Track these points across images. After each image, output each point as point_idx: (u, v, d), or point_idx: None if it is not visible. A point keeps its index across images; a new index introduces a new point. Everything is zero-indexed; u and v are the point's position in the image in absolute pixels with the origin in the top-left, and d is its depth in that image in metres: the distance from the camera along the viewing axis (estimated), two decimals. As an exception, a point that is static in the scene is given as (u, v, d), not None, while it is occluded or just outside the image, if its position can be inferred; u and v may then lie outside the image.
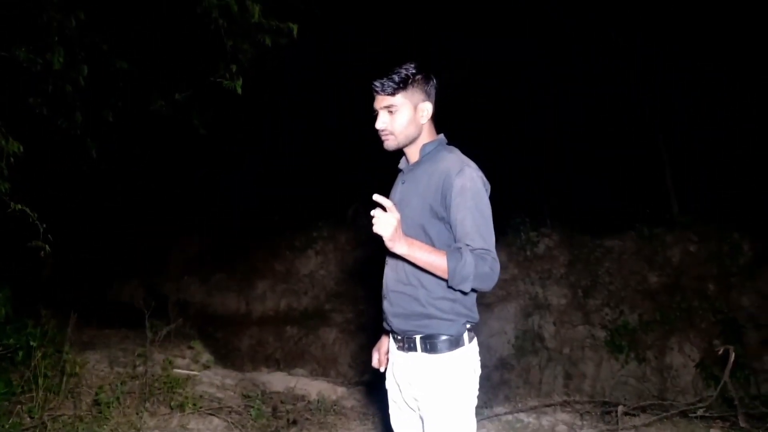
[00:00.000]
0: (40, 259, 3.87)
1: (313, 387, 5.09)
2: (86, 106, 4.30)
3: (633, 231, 7.65)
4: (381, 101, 2.09)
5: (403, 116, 2.09)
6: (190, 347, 4.97)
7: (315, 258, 9.10)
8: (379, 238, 1.86)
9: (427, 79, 2.11)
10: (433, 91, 2.14)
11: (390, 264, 2.16)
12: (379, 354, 2.41)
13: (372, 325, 2.35)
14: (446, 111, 2.25)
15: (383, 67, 2.08)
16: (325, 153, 10.38)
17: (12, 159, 3.63)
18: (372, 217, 1.83)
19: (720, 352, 4.54)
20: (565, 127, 10.09)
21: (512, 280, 7.51)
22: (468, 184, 1.97)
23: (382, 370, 2.39)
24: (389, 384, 2.28)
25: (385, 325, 2.22)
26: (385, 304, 2.16)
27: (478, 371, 2.10)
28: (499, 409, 4.41)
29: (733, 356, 4.30)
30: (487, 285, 1.91)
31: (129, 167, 8.93)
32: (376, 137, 2.17)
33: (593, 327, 6.96)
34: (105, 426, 3.66)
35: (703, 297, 6.84)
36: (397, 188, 2.21)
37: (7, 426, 3.47)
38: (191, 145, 8.16)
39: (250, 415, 4.17)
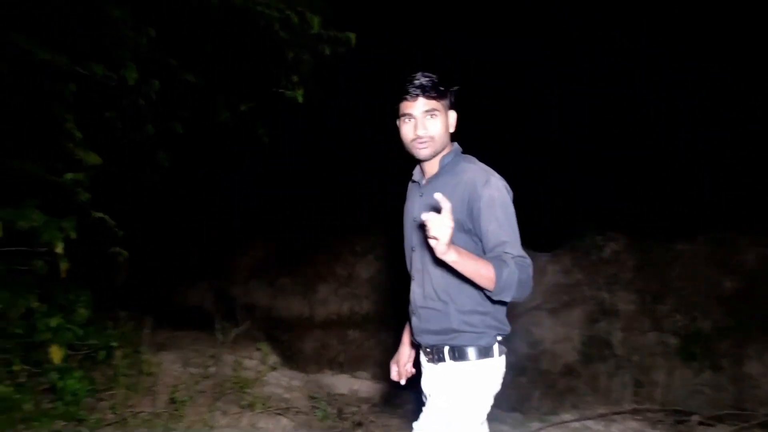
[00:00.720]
0: (116, 264, 4.09)
1: (377, 390, 5.15)
2: (157, 118, 4.51)
3: (704, 234, 7.33)
4: (422, 105, 2.01)
5: (443, 122, 2.04)
6: (258, 349, 5.12)
7: (375, 263, 9.17)
8: (426, 245, 1.78)
9: (454, 88, 2.10)
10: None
11: (417, 280, 2.13)
12: (398, 366, 2.42)
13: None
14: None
15: (417, 70, 2.03)
16: (334, 156, 10.27)
17: (92, 171, 3.85)
18: (423, 221, 1.67)
19: (804, 361, 4.30)
20: (570, 128, 9.80)
21: (577, 285, 7.31)
22: (495, 194, 1.94)
23: (402, 382, 2.40)
24: (424, 398, 2.28)
25: (413, 340, 2.23)
26: (414, 321, 2.15)
27: (497, 388, 2.04)
28: (566, 416, 4.34)
29: (818, 365, 4.07)
30: (525, 293, 1.86)
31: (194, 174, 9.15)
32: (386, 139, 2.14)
33: (664, 334, 6.69)
34: (180, 423, 3.83)
35: (782, 303, 6.47)
36: (415, 202, 2.16)
37: (91, 421, 3.68)
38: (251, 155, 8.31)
39: (316, 416, 4.27)
